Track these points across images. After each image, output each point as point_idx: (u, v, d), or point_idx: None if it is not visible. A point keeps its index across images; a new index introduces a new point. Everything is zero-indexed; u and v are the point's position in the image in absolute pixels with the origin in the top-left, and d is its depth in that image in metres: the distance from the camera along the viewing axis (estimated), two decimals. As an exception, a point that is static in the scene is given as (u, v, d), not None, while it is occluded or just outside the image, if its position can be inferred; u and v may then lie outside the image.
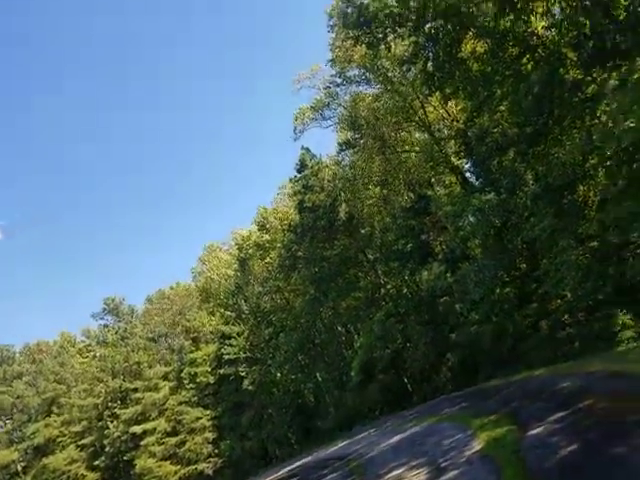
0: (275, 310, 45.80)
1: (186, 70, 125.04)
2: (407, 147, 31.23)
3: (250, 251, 46.77)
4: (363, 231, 35.08)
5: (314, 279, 36.48)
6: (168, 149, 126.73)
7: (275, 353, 44.31)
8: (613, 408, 9.29)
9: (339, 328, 42.82)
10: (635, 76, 12.74)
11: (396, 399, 30.69)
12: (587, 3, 13.57)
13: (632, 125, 12.12)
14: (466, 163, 26.69)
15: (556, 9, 15.17)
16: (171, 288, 59.96)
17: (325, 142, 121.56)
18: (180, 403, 48.90)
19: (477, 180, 25.17)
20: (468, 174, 27.50)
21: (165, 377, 51.79)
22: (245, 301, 49.50)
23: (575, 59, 14.96)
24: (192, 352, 50.43)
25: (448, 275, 26.55)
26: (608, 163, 14.67)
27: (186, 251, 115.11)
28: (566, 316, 19.60)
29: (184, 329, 53.92)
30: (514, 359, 21.07)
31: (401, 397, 30.96)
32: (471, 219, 23.26)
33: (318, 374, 43.33)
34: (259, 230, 46.94)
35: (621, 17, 12.88)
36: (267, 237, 45.27)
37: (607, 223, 14.11)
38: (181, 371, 50.85)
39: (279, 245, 41.50)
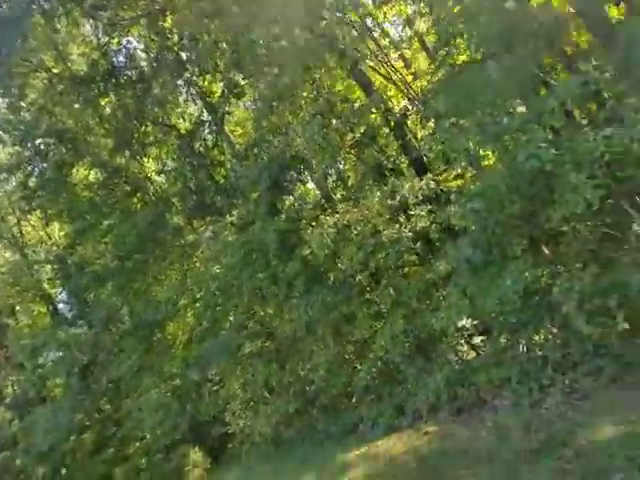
0: None
1: None
2: (-7, 267, 26.39)
3: None
4: None
5: None
6: None
7: None
8: None
9: None
10: (225, 232, 14.93)
11: None
12: (194, 163, 15.70)
13: (218, 272, 13.88)
14: (61, 292, 24.39)
15: (170, 161, 16.97)
16: None
17: None
18: None
19: (70, 312, 23.11)
20: (62, 305, 25.03)
21: None
22: None
23: (180, 207, 16.61)
24: None
25: (15, 422, 21.87)
26: (197, 305, 16.05)
27: None
28: (144, 460, 18.65)
29: None
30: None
31: None
32: (55, 355, 20.61)
33: None
34: None
35: (221, 182, 15.43)
36: None
37: (189, 361, 14.91)
38: None
39: None
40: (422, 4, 12.42)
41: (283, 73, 10.76)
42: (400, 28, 14.13)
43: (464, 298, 9.69)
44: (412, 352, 11.46)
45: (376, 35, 13.37)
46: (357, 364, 12.99)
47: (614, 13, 10.75)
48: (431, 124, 9.96)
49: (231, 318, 14.98)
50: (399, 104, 12.92)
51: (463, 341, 11.78)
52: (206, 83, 16.40)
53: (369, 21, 12.81)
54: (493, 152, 8.84)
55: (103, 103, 16.48)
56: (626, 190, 8.17)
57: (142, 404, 17.34)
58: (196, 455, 16.75)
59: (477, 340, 11.66)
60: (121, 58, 17.01)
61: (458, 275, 9.57)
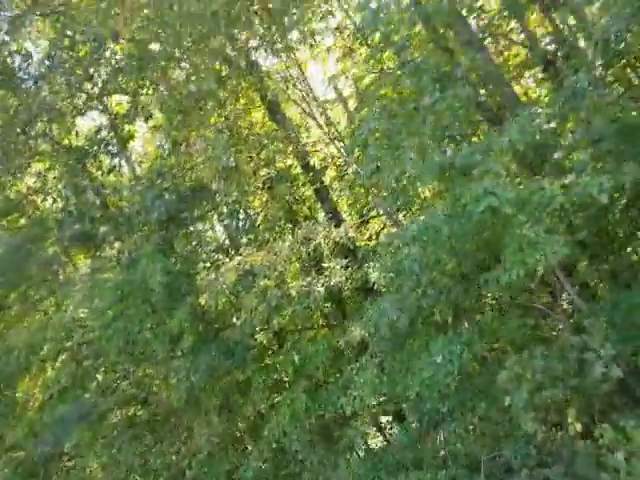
0: None
1: None
2: None
3: None
4: None
5: None
6: None
7: None
8: None
9: None
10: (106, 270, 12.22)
11: None
12: (82, 184, 13.25)
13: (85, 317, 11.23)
14: None
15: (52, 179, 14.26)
16: None
17: None
18: None
19: None
20: None
21: None
22: None
23: (57, 235, 13.79)
24: None
25: None
26: (62, 357, 13.01)
27: None
28: None
29: None
30: None
31: None
32: None
33: None
34: None
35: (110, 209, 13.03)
36: None
37: (37, 428, 11.71)
38: None
39: None
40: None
41: (189, 82, 8.99)
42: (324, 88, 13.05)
43: (381, 374, 7.84)
44: (313, 436, 9.33)
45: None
46: (248, 445, 10.62)
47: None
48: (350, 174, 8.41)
49: (99, 377, 12.09)
50: (319, 146, 11.46)
51: (368, 419, 9.83)
52: (111, 102, 14.26)
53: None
54: (433, 189, 7.33)
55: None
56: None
57: (-26, 480, 13.61)
58: None
59: (384, 420, 9.75)
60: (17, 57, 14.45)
61: (376, 344, 7.74)
